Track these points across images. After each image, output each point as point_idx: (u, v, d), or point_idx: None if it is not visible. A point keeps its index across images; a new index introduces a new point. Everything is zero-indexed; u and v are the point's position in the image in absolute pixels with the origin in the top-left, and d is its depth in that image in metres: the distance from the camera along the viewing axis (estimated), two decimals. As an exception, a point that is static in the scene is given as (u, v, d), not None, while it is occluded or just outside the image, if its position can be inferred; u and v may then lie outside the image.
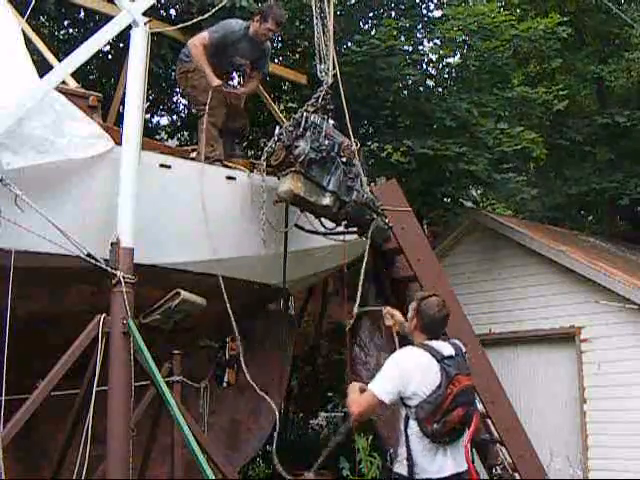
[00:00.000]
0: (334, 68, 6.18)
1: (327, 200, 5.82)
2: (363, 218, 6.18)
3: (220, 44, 6.37)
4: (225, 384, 6.80)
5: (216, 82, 6.25)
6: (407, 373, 4.02)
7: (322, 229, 6.37)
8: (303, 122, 5.75)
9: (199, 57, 6.29)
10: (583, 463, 9.15)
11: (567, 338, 9.63)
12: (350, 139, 6.07)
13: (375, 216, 6.22)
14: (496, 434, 7.63)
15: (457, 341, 4.33)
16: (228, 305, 5.49)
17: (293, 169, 5.69)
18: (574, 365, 9.54)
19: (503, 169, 11.31)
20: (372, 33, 9.93)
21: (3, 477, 4.27)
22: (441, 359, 4.06)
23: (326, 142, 5.75)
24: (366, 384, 4.16)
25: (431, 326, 4.22)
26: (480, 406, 4.23)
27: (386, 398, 4.01)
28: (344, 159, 5.86)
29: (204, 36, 6.32)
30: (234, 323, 5.61)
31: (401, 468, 4.08)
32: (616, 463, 8.81)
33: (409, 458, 4.02)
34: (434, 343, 4.17)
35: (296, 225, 6.29)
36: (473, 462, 4.21)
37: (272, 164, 5.86)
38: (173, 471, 5.81)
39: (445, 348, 4.16)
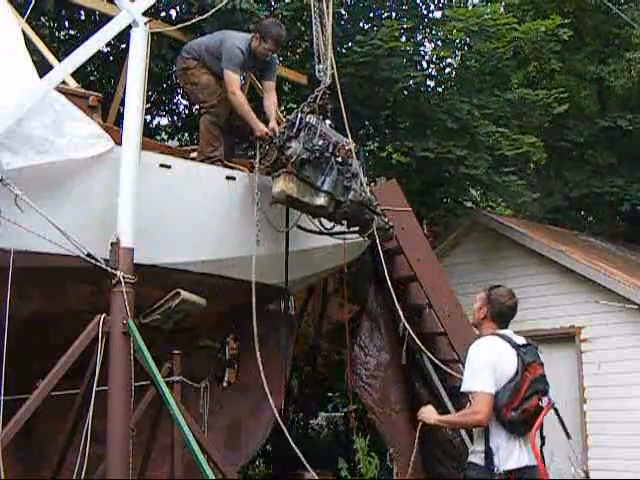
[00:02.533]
0: (332, 68, 6.18)
1: (321, 200, 5.81)
2: (363, 218, 6.17)
3: None
4: (225, 384, 6.81)
5: (262, 129, 6.12)
6: (493, 361, 4.04)
7: (324, 229, 6.36)
8: (297, 123, 5.75)
9: (243, 105, 6.16)
10: (583, 463, 9.15)
11: (567, 338, 9.63)
12: (348, 139, 6.06)
13: (374, 216, 6.22)
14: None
15: None
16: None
17: (285, 170, 5.70)
18: (574, 365, 9.54)
19: (504, 172, 11.31)
20: (373, 34, 9.91)
21: (3, 477, 4.27)
22: (516, 347, 4.09)
23: (320, 142, 5.74)
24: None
25: (502, 315, 4.25)
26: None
27: (492, 390, 3.99)
28: (339, 159, 5.85)
29: (236, 78, 6.15)
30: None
31: (476, 458, 4.06)
32: (616, 463, 8.81)
33: (487, 448, 3.99)
34: (506, 332, 4.21)
35: (298, 226, 6.29)
36: (543, 455, 4.15)
37: (265, 165, 5.87)
38: (173, 471, 5.81)
39: (517, 337, 4.20)
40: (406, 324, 6.73)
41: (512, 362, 4.04)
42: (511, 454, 4.00)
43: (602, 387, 9.18)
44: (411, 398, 7.92)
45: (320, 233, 6.35)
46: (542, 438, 4.18)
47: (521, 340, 4.20)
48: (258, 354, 5.70)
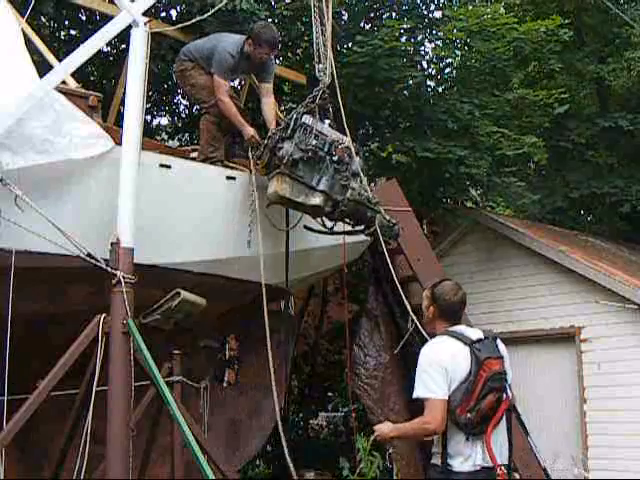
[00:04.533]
0: (332, 68, 6.18)
1: (317, 200, 5.79)
2: (365, 216, 6.15)
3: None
4: (225, 384, 6.81)
5: (249, 133, 6.19)
6: (444, 364, 3.85)
7: (326, 229, 6.35)
8: (292, 123, 5.76)
9: (230, 110, 6.21)
10: (584, 463, 9.15)
11: (567, 338, 9.63)
12: (346, 137, 6.06)
13: (376, 214, 6.20)
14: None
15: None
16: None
17: (278, 171, 5.71)
18: (574, 365, 9.54)
19: (504, 172, 11.30)
20: (373, 34, 9.91)
21: (3, 477, 4.27)
22: (470, 343, 3.89)
23: (314, 142, 5.72)
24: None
25: (450, 311, 4.06)
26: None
27: (445, 395, 3.82)
28: (335, 157, 5.84)
29: (223, 84, 6.18)
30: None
31: (436, 459, 3.94)
32: (616, 463, 8.81)
33: (443, 450, 3.86)
34: (459, 328, 4.02)
35: (305, 226, 6.28)
36: (511, 454, 4.00)
37: (260, 166, 5.89)
38: (173, 471, 5.81)
39: (472, 332, 4.01)
40: (414, 318, 6.74)
41: (465, 361, 3.84)
42: (470, 455, 3.85)
43: (602, 387, 9.18)
44: (411, 398, 7.90)
45: (325, 232, 6.34)
46: (509, 437, 4.01)
47: (476, 334, 3.97)
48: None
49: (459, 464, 3.85)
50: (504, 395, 3.94)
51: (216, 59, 6.22)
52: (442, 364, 3.85)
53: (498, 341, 4.10)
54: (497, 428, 3.93)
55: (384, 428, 4.12)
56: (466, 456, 3.86)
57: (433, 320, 4.15)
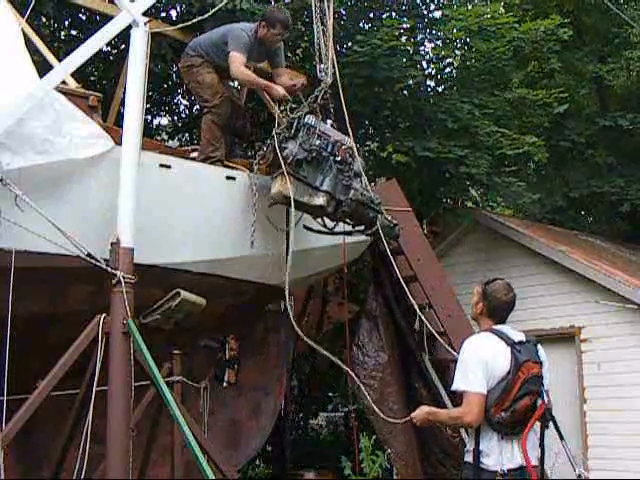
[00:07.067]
0: (333, 68, 6.18)
1: (320, 200, 5.79)
2: (366, 216, 6.15)
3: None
4: (225, 384, 6.81)
5: (280, 91, 6.25)
6: (485, 359, 3.90)
7: (327, 229, 6.35)
8: (295, 123, 5.77)
9: (250, 77, 6.31)
10: (583, 463, 9.15)
11: (567, 338, 9.63)
12: (349, 138, 6.06)
13: (378, 214, 6.20)
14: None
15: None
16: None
17: (282, 170, 5.71)
18: (574, 365, 9.54)
19: (504, 172, 11.29)
20: (373, 34, 9.91)
21: (3, 477, 4.27)
22: (511, 344, 3.95)
23: (317, 142, 5.73)
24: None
25: (498, 310, 4.12)
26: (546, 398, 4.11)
27: (484, 389, 3.87)
28: (339, 158, 5.85)
29: (239, 56, 6.21)
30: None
31: (469, 457, 3.98)
32: (616, 463, 8.81)
33: (476, 448, 3.91)
34: (503, 328, 4.08)
35: (305, 226, 6.28)
36: (543, 457, 4.06)
37: (263, 166, 5.89)
38: (173, 471, 5.81)
39: (515, 333, 4.06)
40: (422, 317, 6.77)
41: (505, 360, 3.90)
42: (503, 454, 3.89)
43: (602, 387, 9.18)
44: (410, 398, 7.91)
45: (325, 233, 6.34)
46: (542, 440, 4.05)
47: (519, 336, 4.05)
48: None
49: (491, 462, 3.89)
50: (540, 400, 3.98)
51: (232, 39, 6.25)
52: (483, 359, 3.91)
53: (539, 346, 4.15)
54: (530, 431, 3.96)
55: (423, 409, 4.19)
56: (498, 455, 3.89)
57: (479, 317, 4.21)
